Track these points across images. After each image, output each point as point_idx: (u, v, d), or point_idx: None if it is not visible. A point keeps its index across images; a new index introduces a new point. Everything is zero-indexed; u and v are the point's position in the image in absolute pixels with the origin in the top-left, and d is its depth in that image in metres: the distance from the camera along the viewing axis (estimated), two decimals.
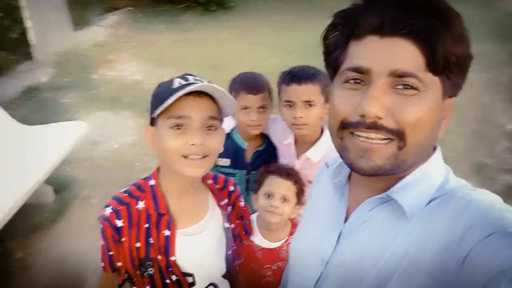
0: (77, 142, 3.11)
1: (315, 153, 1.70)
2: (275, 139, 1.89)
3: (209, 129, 1.10)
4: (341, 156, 0.74)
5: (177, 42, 7.05)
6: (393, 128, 0.65)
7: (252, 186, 1.71)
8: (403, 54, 0.63)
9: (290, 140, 1.76)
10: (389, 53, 0.64)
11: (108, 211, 1.16)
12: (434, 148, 0.75)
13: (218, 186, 1.35)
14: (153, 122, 1.14)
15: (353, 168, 0.71)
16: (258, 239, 1.67)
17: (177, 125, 1.06)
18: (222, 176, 1.38)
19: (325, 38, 0.75)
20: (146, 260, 1.18)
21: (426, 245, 0.63)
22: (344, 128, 0.71)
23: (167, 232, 1.17)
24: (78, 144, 3.21)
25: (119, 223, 1.16)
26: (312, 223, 0.91)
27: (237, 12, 8.61)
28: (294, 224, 1.71)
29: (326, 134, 1.72)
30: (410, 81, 0.63)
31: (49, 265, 2.78)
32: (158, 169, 1.24)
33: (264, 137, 1.90)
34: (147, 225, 1.18)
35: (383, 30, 0.64)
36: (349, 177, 0.85)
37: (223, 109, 1.14)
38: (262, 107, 1.73)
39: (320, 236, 0.84)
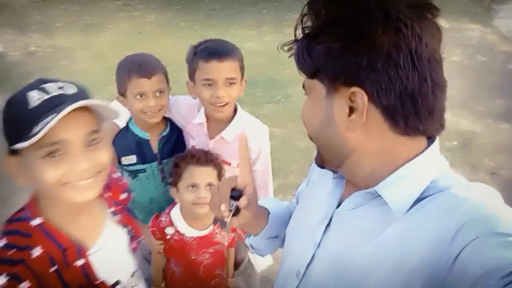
0: None
1: (230, 132, 1.60)
2: (180, 120, 1.73)
3: (93, 144, 0.91)
4: None
5: (37, 3, 6.15)
6: None
7: (168, 179, 1.60)
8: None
9: (202, 119, 1.63)
10: None
11: (3, 280, 0.90)
12: (432, 142, 0.72)
13: (110, 194, 1.18)
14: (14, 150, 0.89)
15: None
16: (188, 231, 1.61)
17: (52, 153, 0.85)
18: (114, 184, 1.21)
19: None
20: None
21: (416, 243, 0.64)
22: None
23: (80, 262, 1.00)
24: None
25: (25, 285, 0.92)
26: (309, 208, 0.91)
27: None
28: None
29: (240, 112, 1.64)
30: (305, 88, 0.77)
31: None
32: (35, 201, 0.99)
33: (166, 121, 1.71)
34: (54, 268, 0.97)
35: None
36: None
37: (101, 116, 0.95)
38: (160, 91, 1.54)
39: (315, 219, 0.84)
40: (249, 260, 1.92)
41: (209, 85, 1.49)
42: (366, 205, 0.75)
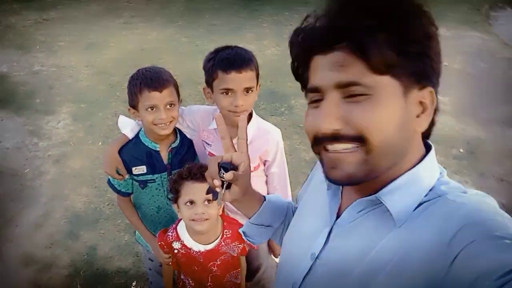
0: None
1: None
2: (194, 128, 1.77)
3: None
4: (322, 170, 0.75)
5: (40, 23, 6.22)
6: (353, 135, 0.66)
7: (169, 195, 1.61)
8: (343, 64, 0.65)
9: None
10: (331, 67, 0.66)
11: None
12: (429, 149, 0.74)
13: None
14: None
15: (329, 180, 0.72)
16: (194, 245, 1.61)
17: None
18: None
19: (292, 65, 0.77)
20: None
21: (414, 247, 0.64)
22: (317, 145, 0.72)
23: None
24: None
25: None
26: (306, 217, 0.91)
27: None
28: (225, 218, 1.67)
29: (255, 117, 1.68)
30: (356, 88, 0.65)
31: None
32: None
33: (176, 132, 1.75)
34: None
35: (323, 47, 0.67)
36: None
37: None
38: (170, 103, 1.58)
39: (312, 231, 0.84)
40: (264, 272, 1.91)
41: (227, 93, 1.52)
42: (366, 215, 0.75)
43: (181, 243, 1.62)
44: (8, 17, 6.33)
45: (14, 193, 3.15)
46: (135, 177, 1.69)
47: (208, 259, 1.62)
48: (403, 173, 0.70)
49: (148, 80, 1.54)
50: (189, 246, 1.61)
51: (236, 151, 0.89)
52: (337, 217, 0.80)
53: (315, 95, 0.71)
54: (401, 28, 0.62)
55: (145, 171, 1.67)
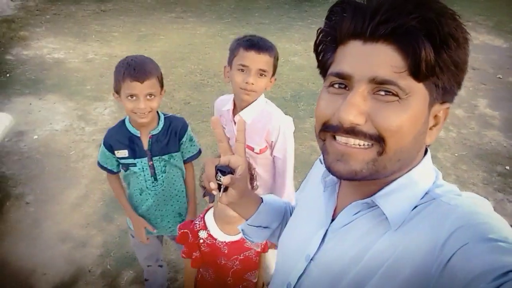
0: (1, 136, 2.80)
1: (247, 113, 1.74)
2: (218, 112, 1.91)
3: None
4: (323, 158, 0.72)
5: (98, 13, 6.53)
6: (372, 134, 0.64)
7: (202, 183, 1.66)
8: (384, 60, 0.63)
9: (230, 106, 1.81)
10: (370, 59, 0.64)
11: None
12: (426, 152, 0.74)
13: None
14: None
15: (331, 171, 0.70)
16: (220, 235, 1.64)
17: None
18: None
19: (315, 42, 0.75)
20: None
21: (408, 250, 0.64)
22: (326, 131, 0.70)
23: None
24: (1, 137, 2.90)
25: None
26: (302, 218, 0.92)
27: None
28: None
29: (261, 98, 1.77)
30: (390, 88, 0.63)
31: None
32: None
33: (160, 120, 1.81)
34: None
35: (364, 35, 0.64)
36: None
37: None
38: (150, 94, 1.63)
39: (307, 232, 0.85)
40: None
41: (243, 71, 1.65)
42: (361, 218, 0.75)
43: (207, 233, 1.66)
44: (69, 7, 6.69)
45: (58, 173, 3.34)
46: (119, 160, 1.80)
47: (233, 251, 1.65)
48: (399, 177, 0.70)
49: (131, 70, 1.60)
50: (215, 236, 1.64)
51: (233, 154, 0.87)
52: (333, 219, 0.80)
53: (338, 80, 0.68)
54: (450, 42, 0.61)
55: (127, 155, 1.78)
